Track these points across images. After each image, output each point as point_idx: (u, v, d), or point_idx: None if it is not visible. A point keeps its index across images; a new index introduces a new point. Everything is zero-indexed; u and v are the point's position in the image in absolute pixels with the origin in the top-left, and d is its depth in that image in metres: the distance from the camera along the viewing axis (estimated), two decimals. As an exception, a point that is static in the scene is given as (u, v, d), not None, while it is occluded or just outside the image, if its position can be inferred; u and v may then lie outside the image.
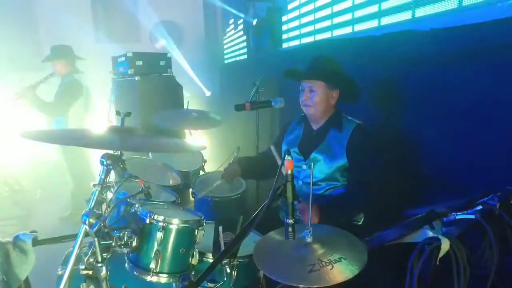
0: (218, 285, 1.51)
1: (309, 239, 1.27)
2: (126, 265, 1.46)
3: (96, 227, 1.21)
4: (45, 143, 1.29)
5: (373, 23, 2.21)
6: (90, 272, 1.32)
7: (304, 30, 3.11)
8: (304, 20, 3.10)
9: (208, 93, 5.86)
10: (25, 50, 4.97)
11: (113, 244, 1.34)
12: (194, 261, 1.49)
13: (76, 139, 1.51)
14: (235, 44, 5.05)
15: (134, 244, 1.40)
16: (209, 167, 2.80)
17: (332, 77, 1.84)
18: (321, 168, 1.89)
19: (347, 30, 2.48)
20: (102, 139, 1.40)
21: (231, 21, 5.24)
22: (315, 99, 1.87)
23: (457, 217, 1.19)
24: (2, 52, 4.76)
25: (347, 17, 2.46)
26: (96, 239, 1.24)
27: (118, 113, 1.56)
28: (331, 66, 1.88)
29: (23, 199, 4.26)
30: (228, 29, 5.42)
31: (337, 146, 1.86)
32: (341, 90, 1.89)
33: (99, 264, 1.28)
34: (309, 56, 1.93)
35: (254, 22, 3.92)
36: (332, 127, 1.91)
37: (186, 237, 1.49)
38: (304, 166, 1.95)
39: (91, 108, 3.87)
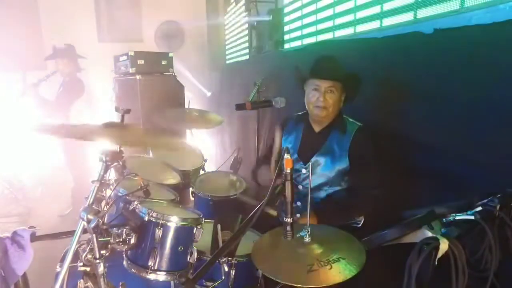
0: (216, 283, 1.51)
1: (307, 239, 1.26)
2: (124, 262, 1.46)
3: (94, 224, 1.21)
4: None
5: (375, 24, 2.21)
6: (88, 269, 1.32)
7: (306, 31, 3.11)
8: (306, 21, 3.10)
9: (208, 94, 5.87)
10: (28, 49, 4.98)
11: (112, 241, 1.33)
12: (192, 259, 1.49)
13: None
14: (237, 45, 5.05)
15: (132, 241, 1.40)
16: (209, 167, 2.80)
17: (354, 79, 1.79)
18: (322, 172, 1.83)
19: (349, 31, 2.48)
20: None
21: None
22: (333, 101, 1.78)
23: (457, 217, 1.18)
24: (5, 50, 4.77)
25: (349, 18, 2.46)
26: (94, 235, 1.24)
27: (117, 109, 1.56)
28: (347, 67, 1.82)
29: (24, 197, 4.26)
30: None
31: (339, 149, 1.81)
32: (346, 93, 1.84)
33: (97, 261, 1.28)
34: (311, 57, 1.91)
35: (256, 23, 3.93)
36: (334, 129, 1.85)
37: (185, 235, 1.48)
38: (304, 170, 1.88)
39: (93, 107, 3.89)
